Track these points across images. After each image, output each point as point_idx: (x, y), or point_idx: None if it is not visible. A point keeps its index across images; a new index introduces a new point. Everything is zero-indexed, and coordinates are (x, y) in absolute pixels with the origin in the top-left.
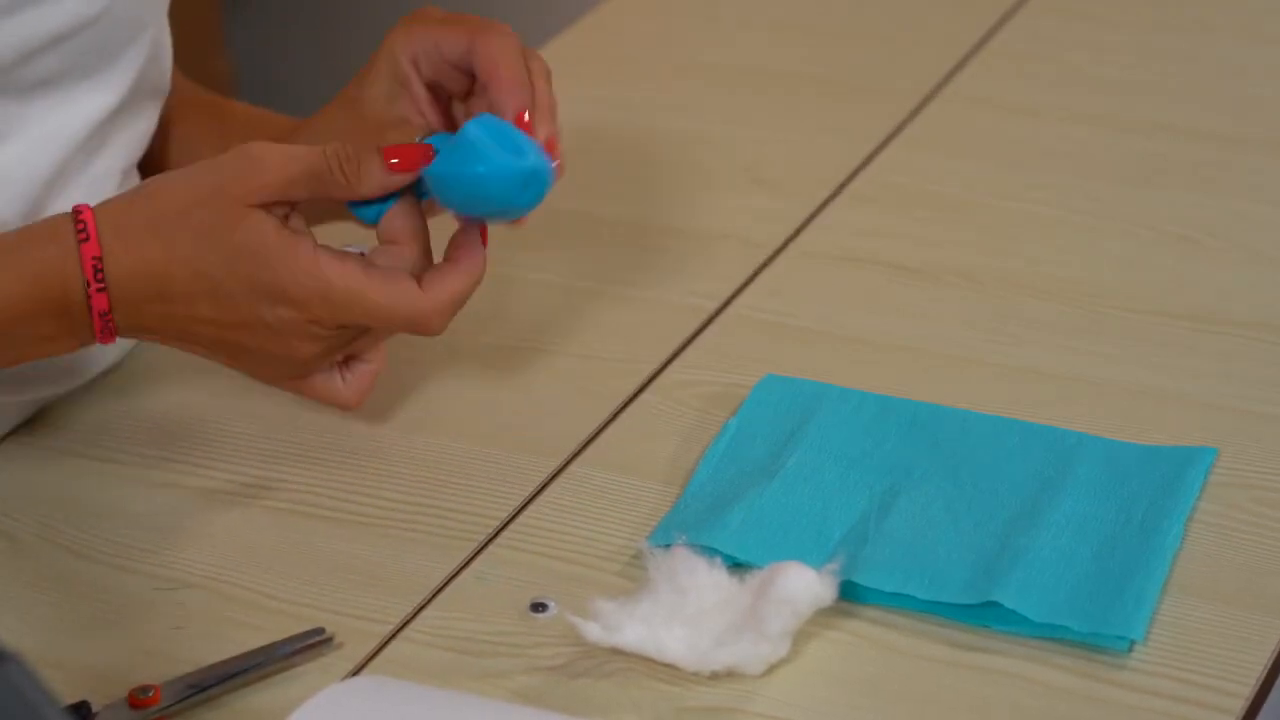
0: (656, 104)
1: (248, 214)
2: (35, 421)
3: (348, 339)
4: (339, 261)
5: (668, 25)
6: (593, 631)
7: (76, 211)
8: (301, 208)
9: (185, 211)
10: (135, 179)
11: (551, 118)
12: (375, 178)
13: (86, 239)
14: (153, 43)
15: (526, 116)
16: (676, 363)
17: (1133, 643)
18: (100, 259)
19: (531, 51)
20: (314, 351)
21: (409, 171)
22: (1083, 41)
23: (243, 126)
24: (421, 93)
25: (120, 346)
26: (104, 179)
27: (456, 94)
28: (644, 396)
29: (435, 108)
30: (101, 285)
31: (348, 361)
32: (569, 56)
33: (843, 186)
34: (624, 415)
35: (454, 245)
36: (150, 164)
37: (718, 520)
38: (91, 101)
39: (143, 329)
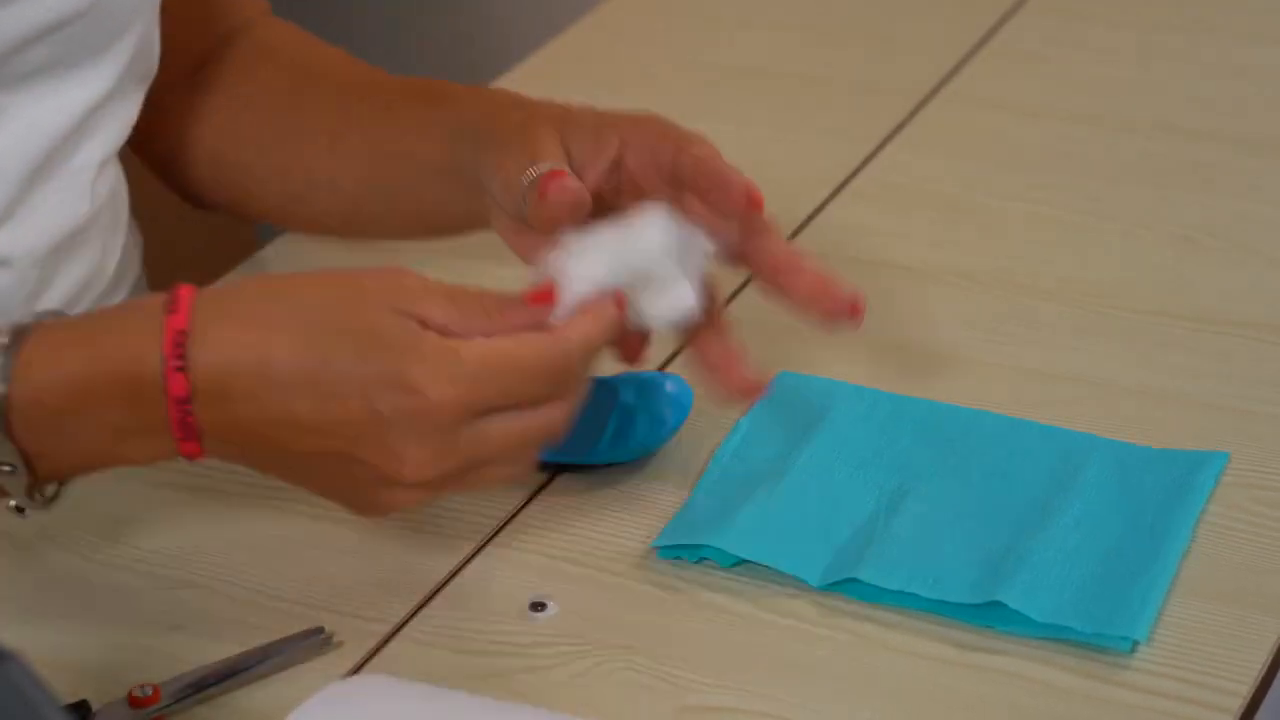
0: (656, 104)
1: (379, 310)
2: None
3: (466, 444)
4: (464, 341)
5: (668, 25)
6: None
7: (174, 288)
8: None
9: (303, 295)
10: (111, 171)
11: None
12: (518, 316)
13: (174, 311)
14: (143, 32)
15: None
16: (677, 363)
17: (1135, 643)
18: (185, 334)
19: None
20: (423, 457)
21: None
22: (1083, 41)
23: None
24: (604, 166)
25: None
26: (83, 171)
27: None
28: None
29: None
30: (180, 364)
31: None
32: (569, 56)
33: (843, 186)
34: None
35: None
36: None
37: (726, 520)
38: (80, 91)
39: (229, 432)
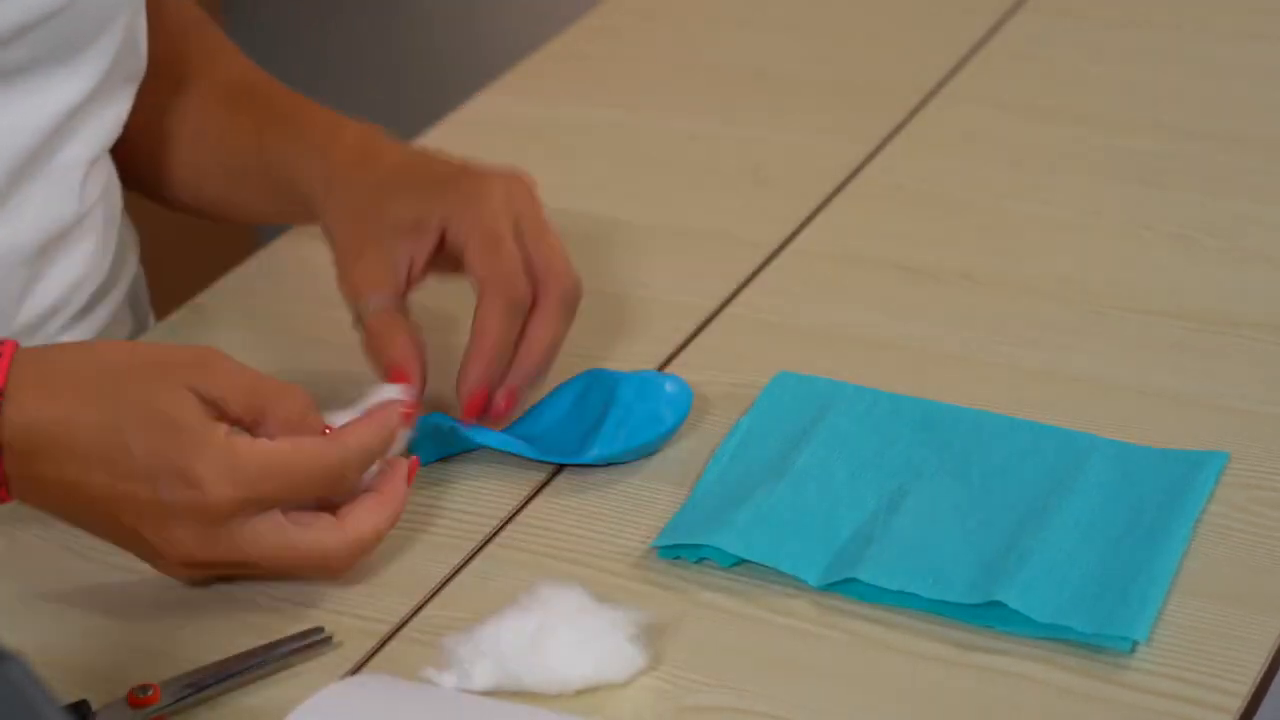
0: (656, 104)
1: (178, 392)
2: None
3: (235, 539)
4: (249, 440)
5: (667, 26)
6: (447, 682)
7: (2, 341)
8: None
9: (115, 371)
10: (102, 169)
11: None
12: (312, 434)
13: None
14: (127, 30)
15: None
16: (676, 362)
17: (1135, 643)
18: (1, 392)
19: (558, 279)
20: (191, 545)
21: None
22: (1083, 41)
23: (281, 122)
24: (424, 259)
25: None
26: (69, 169)
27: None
28: None
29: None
30: None
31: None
32: (569, 57)
33: (843, 186)
34: None
35: (380, 478)
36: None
37: (725, 520)
38: (62, 89)
39: (32, 485)
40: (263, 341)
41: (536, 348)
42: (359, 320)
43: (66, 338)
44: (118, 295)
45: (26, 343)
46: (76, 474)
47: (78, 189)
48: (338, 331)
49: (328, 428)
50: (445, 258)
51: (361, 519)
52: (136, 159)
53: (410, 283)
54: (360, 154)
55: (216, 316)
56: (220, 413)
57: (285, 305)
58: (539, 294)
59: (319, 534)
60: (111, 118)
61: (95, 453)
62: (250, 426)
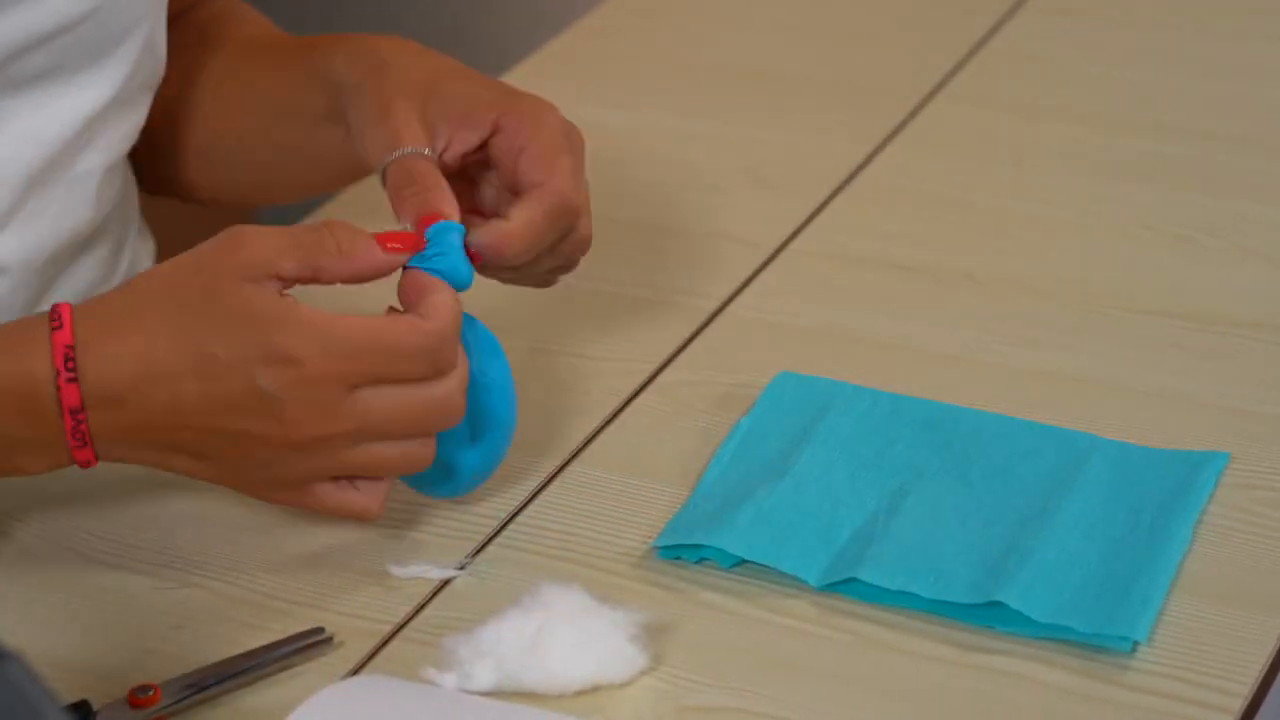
0: (657, 104)
1: (236, 285)
2: None
3: (351, 411)
4: (333, 314)
5: (667, 25)
6: (447, 682)
7: (54, 306)
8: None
9: (166, 292)
10: (119, 175)
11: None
12: (371, 255)
13: (60, 327)
14: (147, 39)
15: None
16: (676, 363)
17: (1135, 643)
18: (72, 347)
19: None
20: (310, 419)
21: (406, 253)
22: (1083, 41)
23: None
24: (474, 141)
25: None
26: (86, 177)
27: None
28: (644, 396)
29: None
30: (72, 375)
31: (354, 479)
32: (569, 57)
33: (843, 186)
34: (624, 415)
35: (414, 288)
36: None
37: (726, 520)
38: (82, 98)
39: (123, 434)
40: None
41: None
42: (384, 173)
43: None
44: None
45: None
46: (167, 398)
47: (94, 196)
48: None
49: (383, 239)
50: (477, 164)
51: (432, 301)
52: (156, 149)
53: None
54: (412, 47)
55: None
56: (280, 282)
57: None
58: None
59: (429, 387)
60: (129, 125)
61: (182, 368)
62: (311, 279)
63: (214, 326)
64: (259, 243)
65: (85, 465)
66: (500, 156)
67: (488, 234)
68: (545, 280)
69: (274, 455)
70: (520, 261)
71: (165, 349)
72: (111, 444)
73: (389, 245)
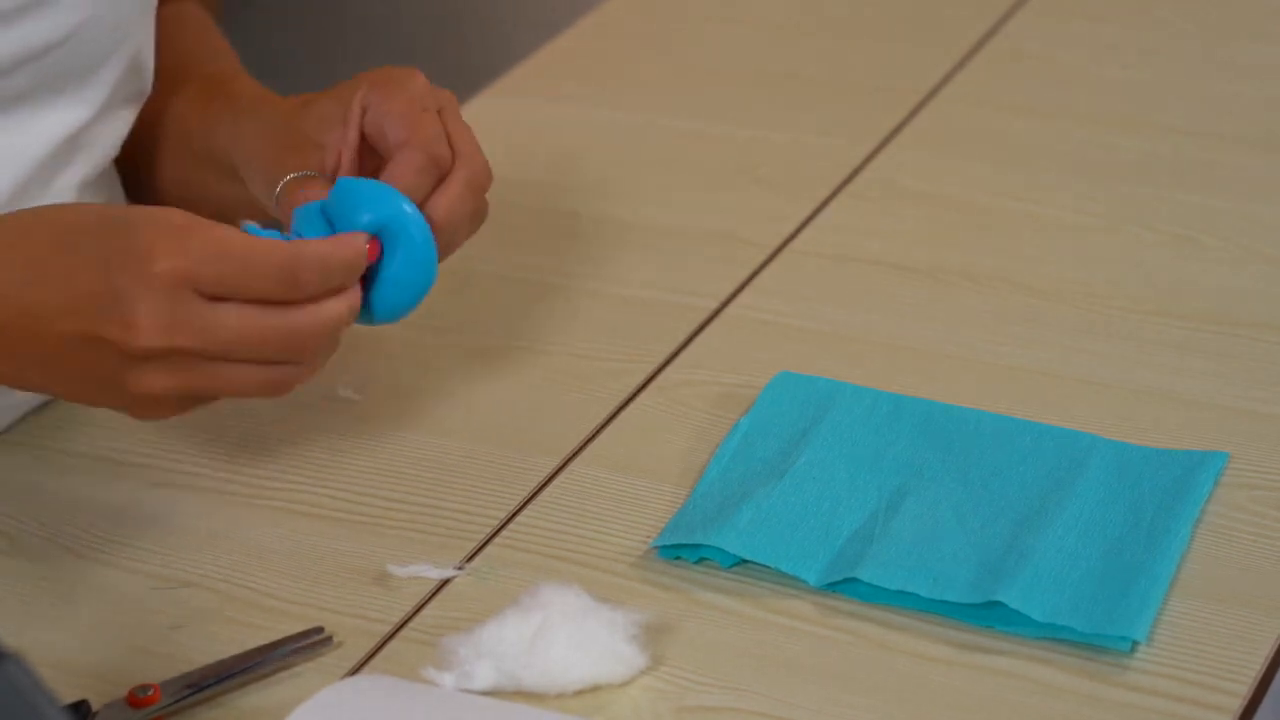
0: (656, 104)
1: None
2: (35, 421)
3: (197, 322)
4: (211, 224)
5: (667, 25)
6: (447, 682)
7: None
8: None
9: (69, 210)
10: (100, 187)
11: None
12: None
13: None
14: (131, 57)
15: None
16: (676, 363)
17: (1134, 643)
18: None
19: (469, 160)
20: (154, 324)
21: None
22: (1083, 41)
23: (242, 107)
24: (353, 135)
25: None
26: (67, 190)
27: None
28: (644, 396)
29: (359, 153)
30: None
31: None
32: (568, 57)
33: (843, 186)
34: (624, 415)
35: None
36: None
37: (725, 520)
38: (63, 117)
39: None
40: None
41: (436, 217)
42: (276, 203)
43: None
44: None
45: None
46: (37, 295)
47: None
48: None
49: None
50: (367, 151)
51: (328, 302)
52: (137, 168)
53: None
54: (266, 94)
55: None
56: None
57: None
58: (449, 171)
59: (285, 312)
60: (111, 139)
61: (52, 264)
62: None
63: (90, 232)
64: (179, 212)
65: None
66: (373, 132)
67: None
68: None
69: (124, 365)
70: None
71: (40, 247)
72: None
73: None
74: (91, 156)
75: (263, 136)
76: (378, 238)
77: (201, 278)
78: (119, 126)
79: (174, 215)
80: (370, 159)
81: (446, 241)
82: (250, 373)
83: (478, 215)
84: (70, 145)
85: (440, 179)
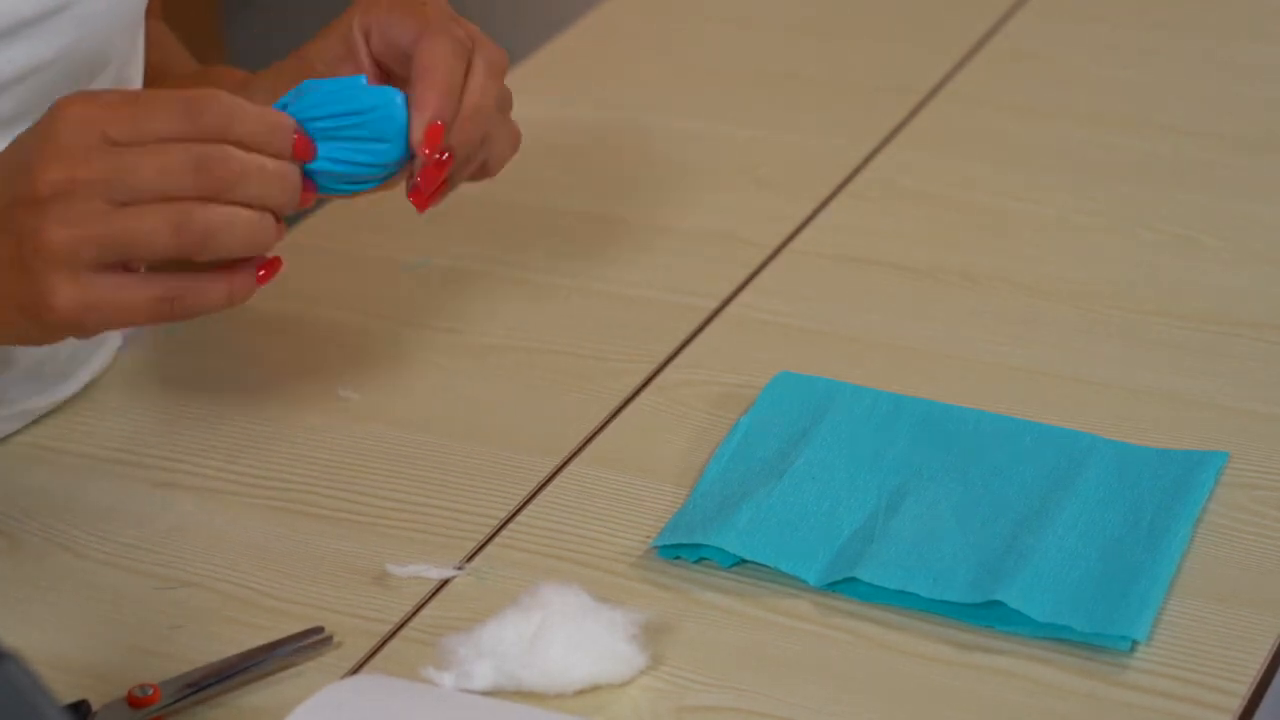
0: (656, 104)
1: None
2: (35, 422)
3: (102, 159)
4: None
5: (667, 25)
6: (447, 682)
7: None
8: None
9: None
10: None
11: (460, 114)
12: None
13: None
14: (118, 73)
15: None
16: (676, 362)
17: (1134, 643)
18: None
19: (482, 46)
20: (57, 169)
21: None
22: (1083, 41)
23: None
24: (367, 63)
25: (103, 351)
26: None
27: (400, 76)
28: (644, 396)
29: (377, 80)
30: None
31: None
32: (568, 57)
33: (843, 186)
34: (624, 415)
35: None
36: None
37: (725, 520)
38: None
39: None
40: (258, 359)
41: (468, 103)
42: None
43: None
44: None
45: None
46: None
47: None
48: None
49: None
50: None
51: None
52: None
53: None
54: (259, 72)
55: (199, 345)
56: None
57: (268, 337)
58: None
59: (192, 144)
60: None
61: None
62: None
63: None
64: (109, 91)
65: None
66: (383, 50)
67: (420, 118)
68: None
69: (30, 217)
70: (456, 102)
71: None
72: None
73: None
74: None
75: (277, 94)
76: (309, 137)
77: (103, 122)
78: None
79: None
80: (395, 81)
81: (479, 129)
82: (157, 212)
83: (505, 101)
84: None
85: (466, 59)
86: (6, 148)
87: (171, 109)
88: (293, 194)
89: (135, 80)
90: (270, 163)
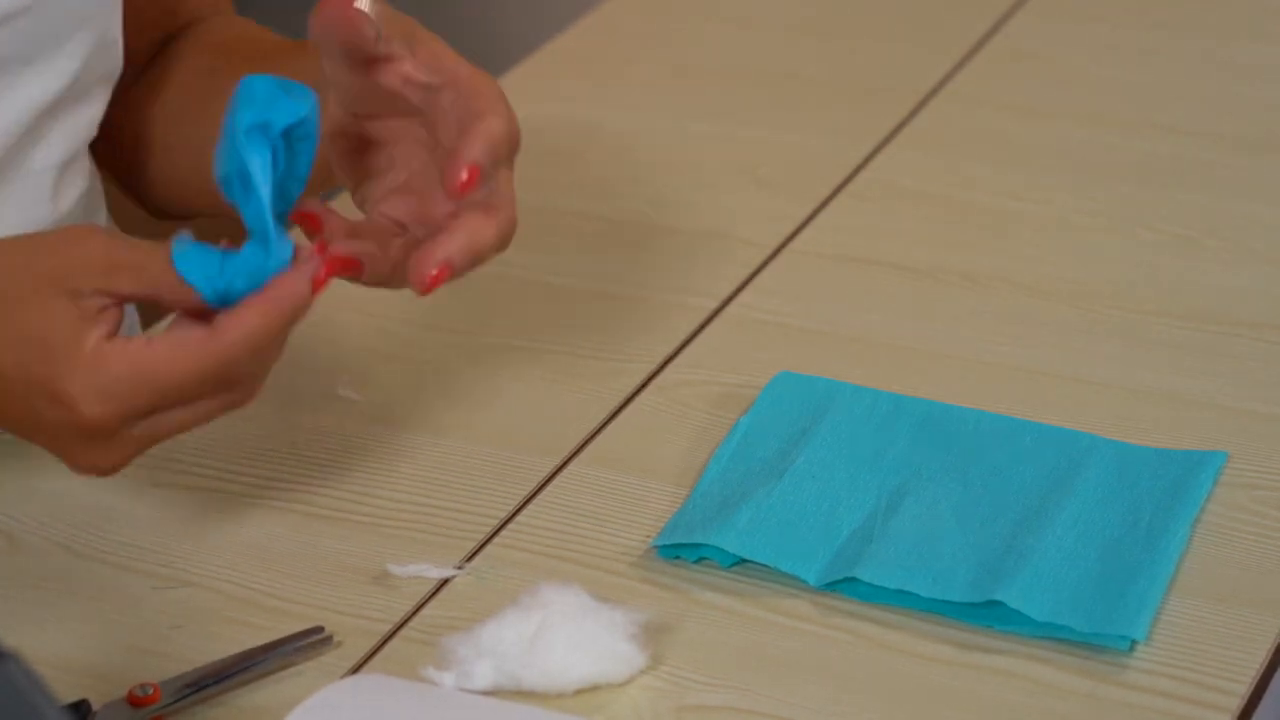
0: (656, 104)
1: (47, 294)
2: None
3: (136, 439)
4: (121, 346)
5: (667, 25)
6: (447, 682)
7: None
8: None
9: None
10: (77, 172)
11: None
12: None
13: None
14: (100, 31)
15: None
16: (676, 363)
17: (1134, 642)
18: None
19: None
20: (94, 457)
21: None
22: (1083, 41)
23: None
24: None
25: None
26: (42, 173)
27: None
28: (644, 396)
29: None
30: None
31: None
32: (568, 57)
33: (843, 186)
34: (624, 415)
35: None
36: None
37: (725, 520)
38: (30, 90)
39: None
40: None
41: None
42: None
43: None
44: None
45: None
46: None
47: (49, 194)
48: (325, 344)
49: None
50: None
51: (236, 319)
52: (120, 157)
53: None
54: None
55: None
56: (109, 297)
57: None
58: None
59: (222, 395)
60: (85, 119)
61: None
62: (151, 300)
63: (9, 344)
64: (97, 252)
65: None
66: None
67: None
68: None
69: (70, 439)
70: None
71: None
72: None
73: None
74: (65, 136)
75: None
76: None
77: (129, 414)
78: (93, 105)
79: (83, 346)
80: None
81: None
82: (195, 412)
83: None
84: (42, 121)
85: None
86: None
87: (199, 388)
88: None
89: (116, 37)
90: (283, 339)
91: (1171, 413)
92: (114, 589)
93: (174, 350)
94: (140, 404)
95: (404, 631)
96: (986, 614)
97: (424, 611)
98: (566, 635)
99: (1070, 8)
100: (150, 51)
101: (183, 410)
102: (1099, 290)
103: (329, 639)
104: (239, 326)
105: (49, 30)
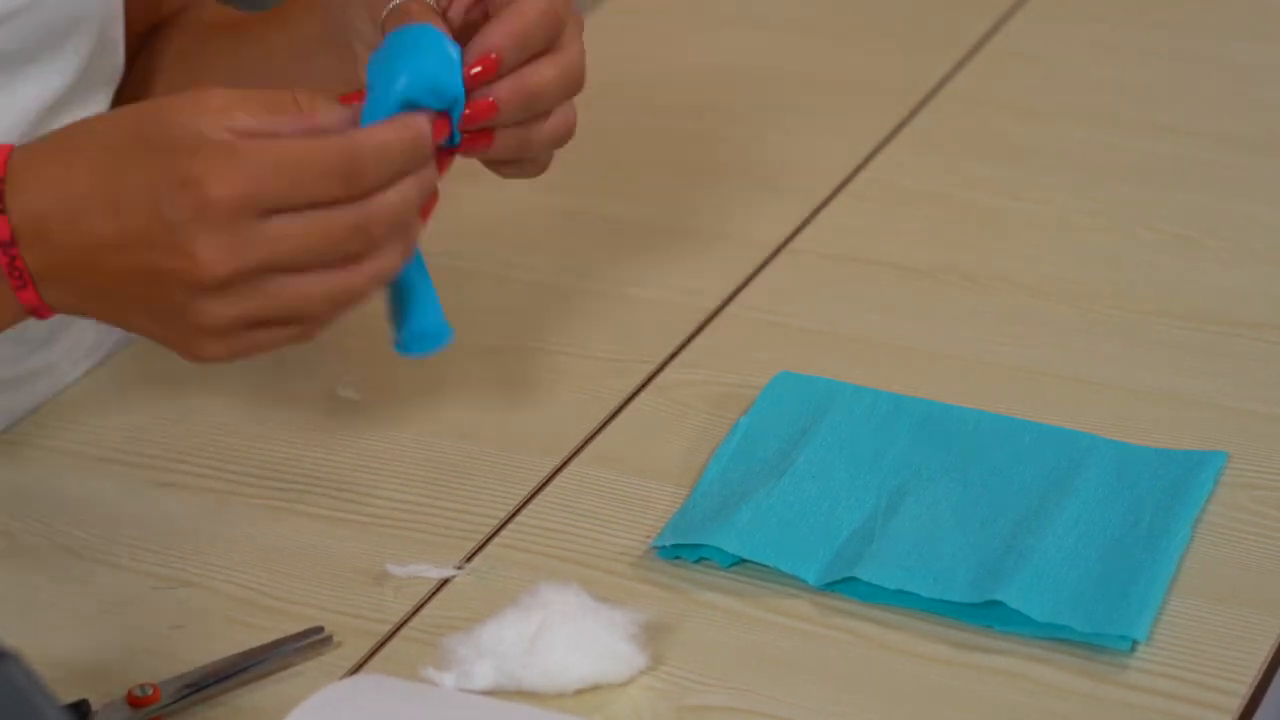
0: (657, 104)
1: (172, 122)
2: (35, 421)
3: (258, 241)
4: (249, 137)
5: (668, 25)
6: (447, 682)
7: None
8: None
9: (107, 126)
10: None
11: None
12: (330, 108)
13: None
14: (100, 32)
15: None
16: (676, 362)
17: (1134, 643)
18: (3, 180)
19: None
20: (214, 254)
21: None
22: (1083, 41)
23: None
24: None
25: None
26: None
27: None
28: (644, 396)
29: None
30: (2, 207)
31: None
32: None
33: (843, 186)
34: (624, 415)
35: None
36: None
37: (725, 520)
38: (31, 90)
39: (55, 270)
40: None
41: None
42: (383, 27)
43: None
44: None
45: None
46: (86, 231)
47: None
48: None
49: (346, 98)
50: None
51: (397, 185)
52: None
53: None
54: None
55: None
56: (232, 130)
57: None
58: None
59: (350, 208)
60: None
61: (98, 199)
62: (270, 133)
63: (132, 156)
64: (217, 93)
65: (36, 313)
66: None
67: (478, 45)
68: (528, 156)
69: (189, 298)
70: (511, 63)
71: (86, 179)
72: (49, 285)
73: (351, 100)
74: None
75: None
76: (447, 113)
77: (259, 198)
78: (95, 108)
79: (216, 126)
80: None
81: (539, 91)
82: (320, 282)
83: (573, 82)
84: (45, 121)
85: (560, 25)
86: (125, 173)
87: (330, 179)
88: (428, 196)
89: (118, 38)
90: (414, 191)
91: (1171, 413)
92: (114, 589)
93: (306, 139)
94: (268, 188)
95: (404, 631)
96: (986, 614)
97: (424, 611)
98: (566, 635)
99: (1070, 8)
100: (137, 45)
101: (306, 218)
102: (1099, 290)
103: (329, 639)
104: (374, 132)
105: (47, 31)
